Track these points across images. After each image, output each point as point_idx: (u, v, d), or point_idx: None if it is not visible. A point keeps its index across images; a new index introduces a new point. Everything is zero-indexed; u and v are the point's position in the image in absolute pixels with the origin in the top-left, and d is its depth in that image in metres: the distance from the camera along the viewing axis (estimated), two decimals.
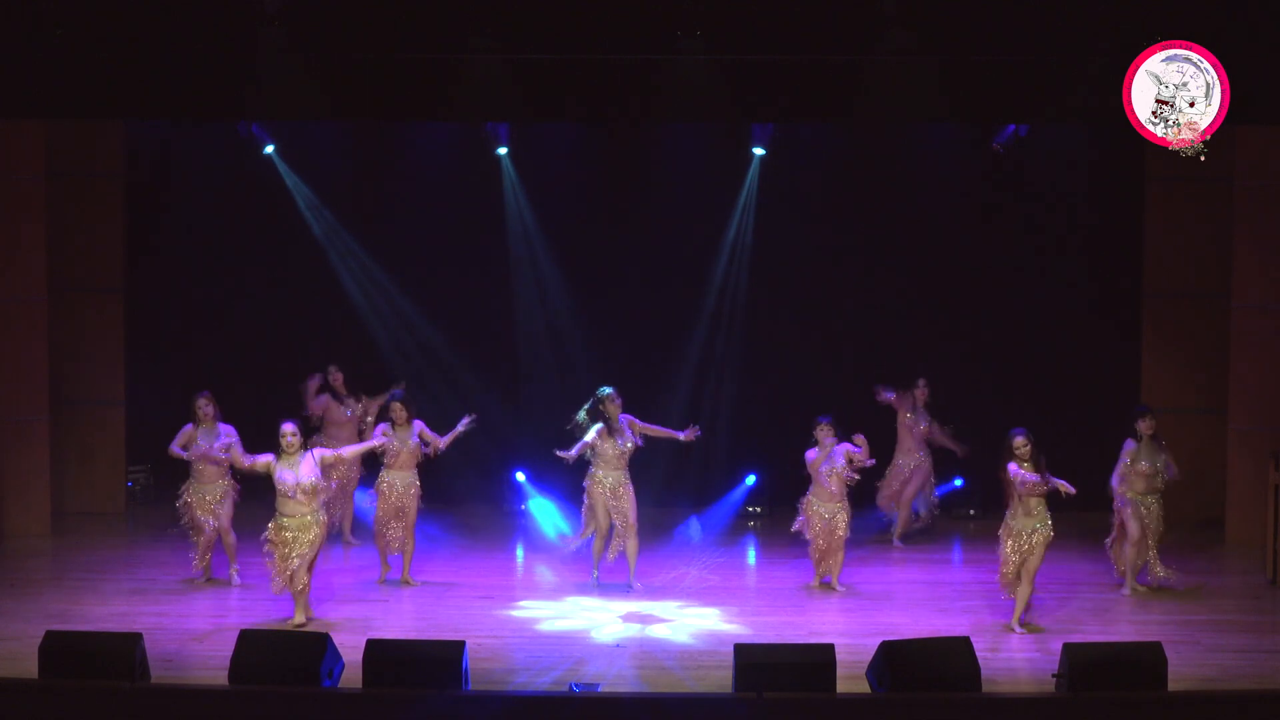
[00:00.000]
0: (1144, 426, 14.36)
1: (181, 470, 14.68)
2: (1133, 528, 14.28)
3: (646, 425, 14.48)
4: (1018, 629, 12.97)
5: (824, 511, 14.26)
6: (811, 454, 14.36)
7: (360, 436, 15.64)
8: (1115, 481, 14.48)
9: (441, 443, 14.35)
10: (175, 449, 14.30)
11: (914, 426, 16.19)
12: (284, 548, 12.95)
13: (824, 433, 14.30)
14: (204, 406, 14.26)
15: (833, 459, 14.21)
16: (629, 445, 14.25)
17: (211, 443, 14.21)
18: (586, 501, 14.39)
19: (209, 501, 14.25)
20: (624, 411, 14.34)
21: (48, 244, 16.15)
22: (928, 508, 16.37)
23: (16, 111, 13.78)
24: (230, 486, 14.36)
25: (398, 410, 14.36)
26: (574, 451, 14.18)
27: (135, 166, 17.24)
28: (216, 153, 17.24)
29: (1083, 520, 17.05)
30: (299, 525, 12.94)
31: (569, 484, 16.01)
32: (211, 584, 14.29)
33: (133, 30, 12.65)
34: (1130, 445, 14.43)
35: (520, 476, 17.03)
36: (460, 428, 14.34)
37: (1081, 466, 17.58)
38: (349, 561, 15.34)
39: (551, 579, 14.77)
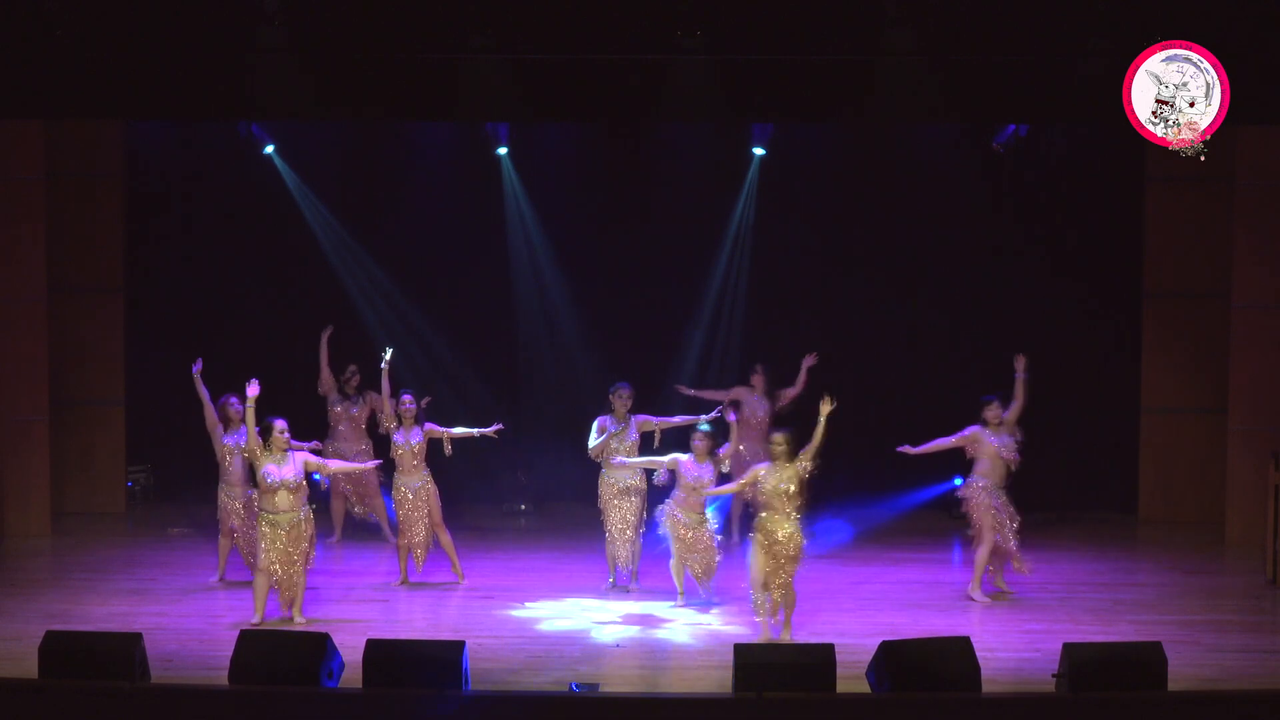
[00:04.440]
0: (990, 414, 13.88)
1: (184, 472, 14.68)
2: (987, 528, 13.87)
3: (666, 420, 14.37)
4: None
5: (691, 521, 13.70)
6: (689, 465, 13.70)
7: (370, 434, 15.93)
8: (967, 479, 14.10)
9: (451, 433, 14.33)
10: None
11: (751, 417, 16.01)
12: (270, 548, 12.99)
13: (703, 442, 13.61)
14: (234, 406, 14.25)
15: (701, 469, 13.62)
16: (629, 440, 14.19)
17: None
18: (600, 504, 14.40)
19: (246, 503, 14.23)
20: (635, 411, 14.30)
21: (48, 244, 16.16)
22: None
23: (16, 111, 13.77)
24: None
25: (404, 409, 14.36)
26: (590, 449, 14.21)
27: (135, 166, 17.26)
28: (216, 153, 17.25)
29: (1082, 520, 17.11)
30: (289, 522, 13.00)
31: (572, 485, 16.08)
32: (226, 585, 14.28)
33: (133, 30, 12.65)
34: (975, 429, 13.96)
35: (520, 476, 17.03)
36: (478, 431, 14.33)
37: (1081, 466, 17.68)
38: (352, 563, 15.35)
39: (552, 579, 14.76)
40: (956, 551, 16.04)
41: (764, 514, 12.61)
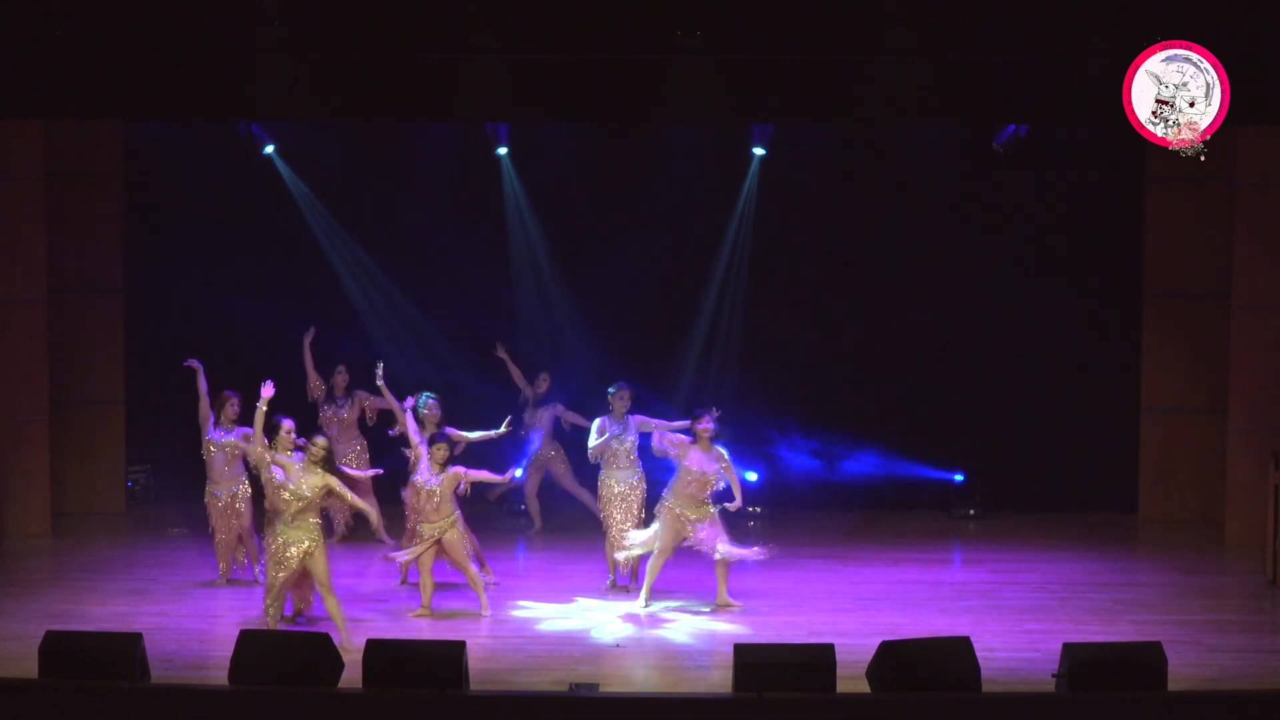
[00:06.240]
0: (702, 428, 13.50)
1: (184, 472, 14.65)
2: (666, 538, 13.53)
3: (662, 424, 14.36)
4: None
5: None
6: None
7: (363, 432, 15.94)
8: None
9: (469, 438, 14.32)
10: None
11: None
12: (282, 549, 13.00)
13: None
14: (234, 408, 14.23)
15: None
16: (629, 441, 14.21)
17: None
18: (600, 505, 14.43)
19: (228, 502, 14.23)
20: (633, 412, 14.31)
21: (48, 244, 16.16)
22: None
23: (16, 111, 13.77)
24: (247, 489, 14.35)
25: (429, 413, 14.33)
26: (590, 450, 14.23)
27: (135, 166, 17.26)
28: (216, 153, 17.24)
29: (1083, 520, 17.11)
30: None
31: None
32: (228, 585, 14.28)
33: (133, 30, 12.64)
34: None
35: (519, 473, 17.01)
36: (495, 433, 14.35)
37: (1081, 466, 17.67)
38: (352, 563, 15.33)
39: (552, 579, 14.77)
40: (956, 551, 16.04)
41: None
